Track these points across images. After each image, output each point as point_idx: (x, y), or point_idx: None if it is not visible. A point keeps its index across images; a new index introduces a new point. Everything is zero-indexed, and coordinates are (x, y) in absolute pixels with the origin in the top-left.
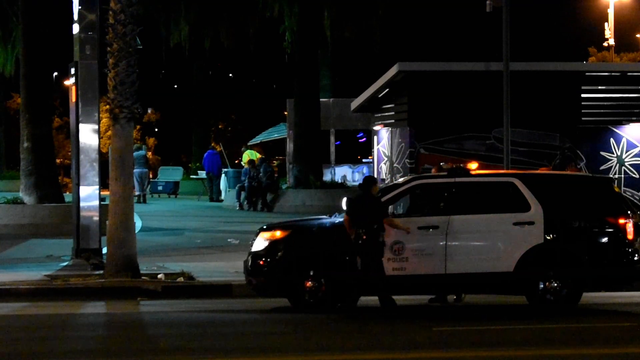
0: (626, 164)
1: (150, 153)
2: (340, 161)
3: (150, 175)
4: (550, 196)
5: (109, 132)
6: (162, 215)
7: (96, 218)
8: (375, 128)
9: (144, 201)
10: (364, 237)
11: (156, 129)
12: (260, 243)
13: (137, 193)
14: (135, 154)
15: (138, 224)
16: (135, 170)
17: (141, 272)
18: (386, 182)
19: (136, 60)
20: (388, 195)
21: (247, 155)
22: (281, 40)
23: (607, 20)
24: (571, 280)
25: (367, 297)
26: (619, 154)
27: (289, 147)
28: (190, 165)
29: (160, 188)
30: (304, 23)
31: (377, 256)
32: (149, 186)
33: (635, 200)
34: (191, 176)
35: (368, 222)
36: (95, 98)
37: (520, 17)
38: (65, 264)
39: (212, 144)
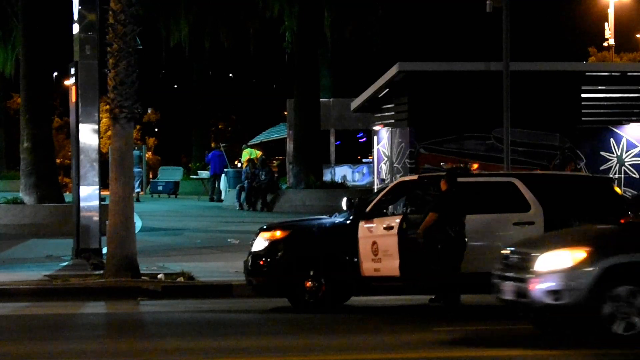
0: (626, 164)
1: (150, 153)
2: (340, 161)
3: (150, 175)
4: (550, 196)
5: (109, 132)
6: (162, 215)
7: (96, 218)
8: (375, 128)
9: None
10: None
11: (156, 129)
12: (260, 243)
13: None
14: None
15: (138, 224)
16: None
17: (141, 272)
18: (386, 182)
19: (136, 60)
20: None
21: (247, 154)
22: (281, 40)
23: (607, 20)
24: None
25: (366, 297)
26: (619, 154)
27: (289, 147)
28: (190, 165)
29: (160, 188)
30: (304, 23)
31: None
32: (149, 186)
33: None
34: (191, 176)
35: (461, 217)
36: (95, 98)
37: (520, 17)
38: (65, 264)
39: (213, 144)
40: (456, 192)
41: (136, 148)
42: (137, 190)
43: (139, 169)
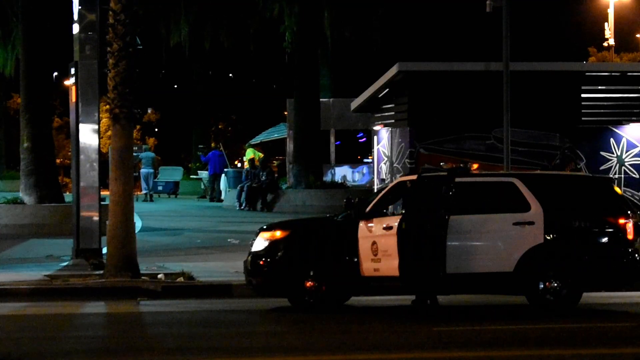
0: (626, 164)
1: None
2: (340, 161)
3: None
4: (550, 196)
5: (109, 132)
6: (162, 215)
7: (96, 218)
8: (375, 128)
9: (151, 199)
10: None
11: (156, 129)
12: (260, 243)
13: (144, 192)
14: (145, 154)
15: (138, 224)
16: (142, 170)
17: (141, 272)
18: (386, 182)
19: (136, 60)
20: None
21: (251, 153)
22: (281, 40)
23: (607, 20)
24: (571, 280)
25: (366, 297)
26: (619, 154)
27: (289, 147)
28: (190, 165)
29: (160, 188)
30: (304, 23)
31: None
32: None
33: (635, 200)
34: (191, 176)
35: (433, 218)
36: (95, 98)
37: (520, 17)
38: (65, 264)
39: (213, 144)
40: (426, 193)
41: (150, 149)
42: (146, 191)
43: (152, 170)
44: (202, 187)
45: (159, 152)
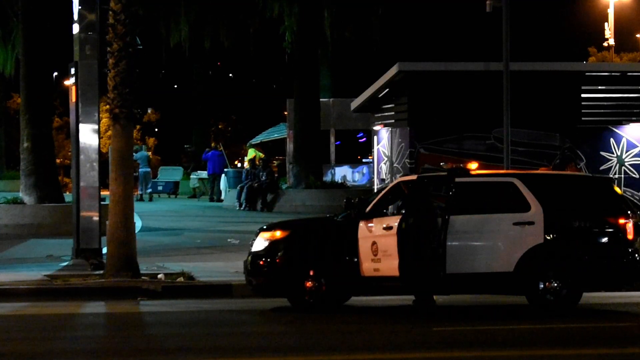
0: (626, 164)
1: (150, 153)
2: (340, 161)
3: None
4: (550, 196)
5: (109, 132)
6: (162, 215)
7: (96, 218)
8: (375, 128)
9: (150, 199)
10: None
11: (156, 129)
12: (260, 243)
13: (139, 192)
14: (140, 154)
15: (138, 224)
16: (141, 170)
17: (141, 272)
18: (386, 182)
19: (136, 60)
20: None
21: (253, 152)
22: (281, 40)
23: (607, 20)
24: (571, 280)
25: (366, 297)
26: (619, 154)
27: (289, 147)
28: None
29: (160, 188)
30: (304, 23)
31: None
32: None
33: (635, 200)
34: (191, 176)
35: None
36: (95, 98)
37: (520, 17)
38: (65, 264)
39: (213, 144)
40: (426, 193)
41: (144, 149)
42: (149, 190)
43: (148, 169)
44: (196, 186)
45: (159, 152)
